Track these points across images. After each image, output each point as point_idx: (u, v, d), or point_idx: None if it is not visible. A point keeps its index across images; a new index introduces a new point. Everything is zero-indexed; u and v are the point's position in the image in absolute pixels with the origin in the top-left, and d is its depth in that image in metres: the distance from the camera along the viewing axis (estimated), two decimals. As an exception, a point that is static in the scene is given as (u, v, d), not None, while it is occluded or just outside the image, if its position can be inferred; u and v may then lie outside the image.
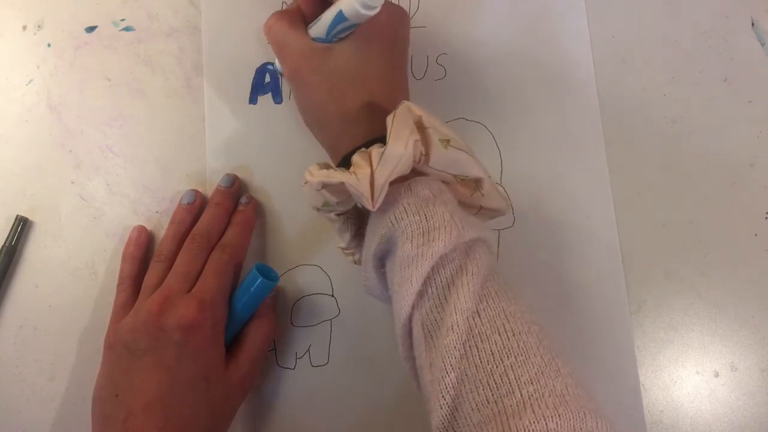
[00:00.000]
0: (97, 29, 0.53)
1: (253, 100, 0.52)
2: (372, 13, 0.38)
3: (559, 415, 0.31)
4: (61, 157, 0.52)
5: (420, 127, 0.37)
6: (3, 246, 0.50)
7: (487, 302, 0.35)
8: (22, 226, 0.50)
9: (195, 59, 0.53)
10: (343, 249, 0.45)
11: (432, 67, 0.53)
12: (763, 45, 0.53)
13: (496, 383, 0.33)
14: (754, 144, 0.52)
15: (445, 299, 0.36)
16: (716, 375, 0.49)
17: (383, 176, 0.36)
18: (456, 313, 0.35)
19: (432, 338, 0.36)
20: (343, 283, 0.50)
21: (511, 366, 0.33)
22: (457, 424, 0.33)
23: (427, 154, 0.38)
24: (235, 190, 0.50)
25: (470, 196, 0.41)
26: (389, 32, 0.43)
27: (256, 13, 0.52)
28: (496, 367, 0.33)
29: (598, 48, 0.53)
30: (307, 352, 0.49)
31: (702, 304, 0.50)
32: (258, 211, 0.51)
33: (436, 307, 0.36)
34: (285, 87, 0.52)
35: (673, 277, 0.50)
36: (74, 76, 0.53)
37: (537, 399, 0.31)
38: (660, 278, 0.50)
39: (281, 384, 0.49)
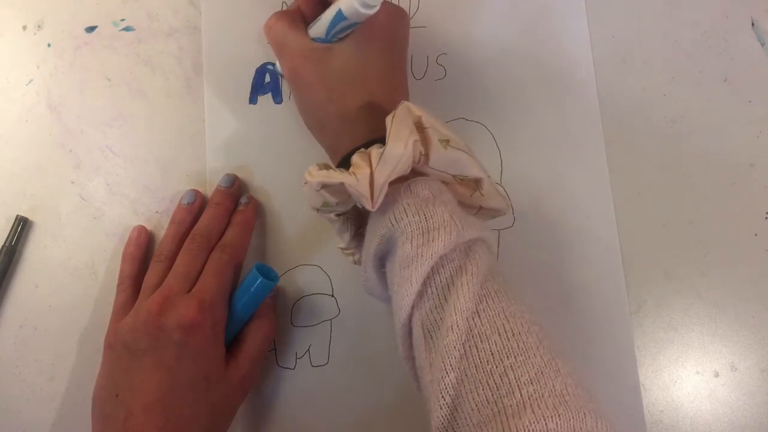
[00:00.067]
0: (97, 29, 0.53)
1: (253, 100, 0.52)
2: (371, 11, 0.38)
3: (559, 415, 0.31)
4: (61, 157, 0.52)
5: (419, 127, 0.37)
6: (3, 246, 0.50)
7: (486, 302, 0.35)
8: (22, 226, 0.50)
9: (195, 59, 0.53)
10: (343, 249, 0.45)
11: (432, 67, 0.53)
12: (763, 45, 0.53)
13: (495, 383, 0.33)
14: (754, 144, 0.52)
15: (445, 299, 0.36)
16: (716, 375, 0.49)
17: (383, 176, 0.36)
18: (456, 313, 0.35)
19: (432, 338, 0.36)
20: (343, 283, 0.50)
21: (511, 366, 0.33)
22: (457, 424, 0.33)
23: (426, 155, 0.38)
24: (235, 190, 0.50)
25: (470, 196, 0.41)
26: (389, 32, 0.43)
27: (256, 13, 0.52)
28: (496, 367, 0.33)
29: (598, 48, 0.53)
30: (307, 352, 0.49)
31: (702, 304, 0.50)
32: (258, 211, 0.51)
33: (435, 308, 0.36)
34: (285, 87, 0.52)
35: (673, 277, 0.50)
36: (74, 76, 0.53)
37: (537, 399, 0.31)
38: (660, 278, 0.50)
39: (281, 384, 0.49)
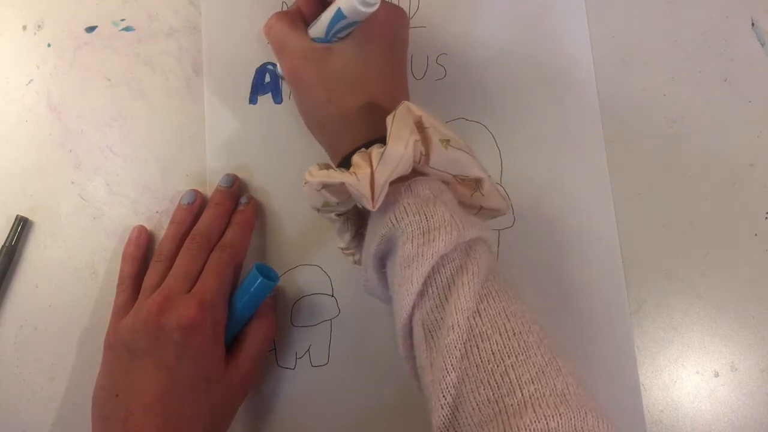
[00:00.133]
0: (97, 29, 0.53)
1: (253, 100, 0.52)
2: (370, 10, 0.38)
3: (560, 414, 0.31)
4: (61, 157, 0.52)
5: (420, 127, 0.37)
6: (3, 246, 0.50)
7: (487, 302, 0.35)
8: (22, 226, 0.50)
9: (195, 59, 0.53)
10: (343, 249, 0.45)
11: (432, 67, 0.53)
12: (763, 45, 0.53)
13: (497, 383, 0.33)
14: (754, 144, 0.52)
15: (446, 299, 0.36)
16: (716, 375, 0.49)
17: (383, 176, 0.36)
18: (457, 312, 0.35)
19: (433, 338, 0.36)
20: (343, 283, 0.50)
21: (512, 365, 0.33)
22: (458, 423, 0.33)
23: (427, 154, 0.38)
24: (235, 190, 0.50)
25: (470, 196, 0.41)
26: (389, 32, 0.43)
27: (256, 13, 0.52)
28: (497, 366, 0.33)
29: (598, 48, 0.53)
30: (307, 352, 0.49)
31: (702, 304, 0.50)
32: (258, 211, 0.51)
33: (436, 307, 0.36)
34: (285, 87, 0.52)
35: (673, 277, 0.50)
36: (74, 76, 0.53)
37: (538, 398, 0.31)
38: (660, 278, 0.50)
39: (281, 384, 0.49)
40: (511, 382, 0.32)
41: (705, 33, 0.54)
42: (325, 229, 0.50)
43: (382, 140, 0.37)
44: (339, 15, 0.39)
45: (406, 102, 0.38)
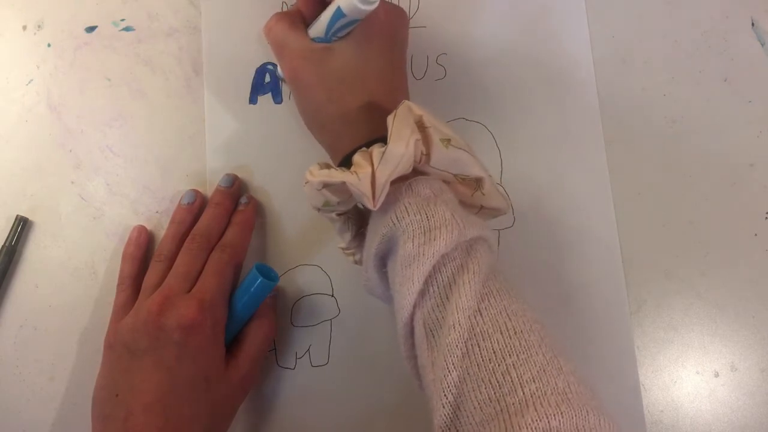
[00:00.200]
0: (97, 29, 0.53)
1: (253, 100, 0.52)
2: (370, 8, 0.38)
3: (561, 413, 0.31)
4: (61, 157, 0.52)
5: (421, 126, 0.37)
6: (3, 246, 0.50)
7: (488, 301, 0.35)
8: (22, 226, 0.50)
9: (195, 59, 0.53)
10: (343, 249, 0.45)
11: (432, 67, 0.53)
12: (763, 45, 0.53)
13: (498, 382, 0.33)
14: (754, 144, 0.52)
15: (447, 298, 0.36)
16: (716, 375, 0.49)
17: (384, 176, 0.36)
18: (458, 311, 0.35)
19: (434, 337, 0.36)
20: (343, 283, 0.50)
21: (513, 364, 0.33)
22: (460, 422, 0.33)
23: (428, 154, 0.38)
24: (235, 190, 0.50)
25: (471, 195, 0.41)
26: (389, 32, 0.43)
27: (256, 13, 0.52)
28: (498, 365, 0.33)
29: (598, 48, 0.53)
30: (307, 352, 0.49)
31: (702, 304, 0.50)
32: (258, 211, 0.51)
33: (437, 306, 0.36)
34: (285, 87, 0.52)
35: (673, 277, 0.50)
36: (74, 76, 0.53)
37: (539, 397, 0.31)
38: (660, 278, 0.50)
39: (281, 384, 0.49)
40: (512, 381, 0.32)
41: (705, 33, 0.54)
42: (325, 229, 0.50)
43: (382, 140, 0.37)
44: (339, 13, 0.39)
45: (406, 101, 0.38)
